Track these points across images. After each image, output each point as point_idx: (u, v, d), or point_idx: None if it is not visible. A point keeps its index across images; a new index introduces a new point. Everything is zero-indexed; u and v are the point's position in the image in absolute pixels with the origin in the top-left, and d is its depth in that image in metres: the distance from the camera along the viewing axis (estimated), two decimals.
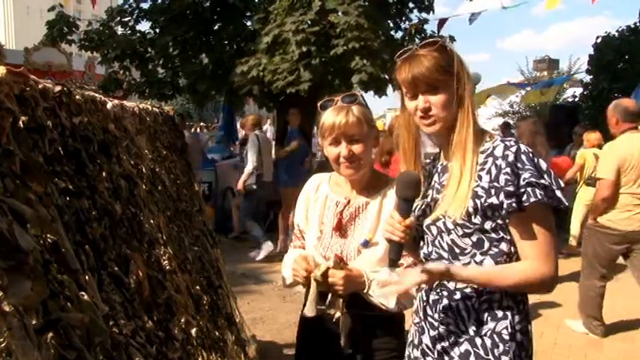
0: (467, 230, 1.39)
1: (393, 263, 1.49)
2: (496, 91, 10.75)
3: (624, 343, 3.93)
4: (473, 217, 1.38)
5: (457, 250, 1.43)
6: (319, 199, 1.85)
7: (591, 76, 9.93)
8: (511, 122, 10.54)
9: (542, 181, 1.33)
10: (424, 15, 8.15)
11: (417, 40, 7.90)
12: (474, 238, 1.39)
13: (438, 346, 1.46)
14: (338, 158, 1.72)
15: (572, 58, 18.90)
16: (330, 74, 6.79)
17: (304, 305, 1.91)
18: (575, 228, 6.99)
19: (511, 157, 1.35)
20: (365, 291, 1.67)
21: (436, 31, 8.60)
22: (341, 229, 1.77)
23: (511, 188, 1.33)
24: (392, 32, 8.10)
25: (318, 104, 1.77)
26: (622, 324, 4.36)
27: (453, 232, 1.42)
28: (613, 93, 9.11)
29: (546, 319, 4.26)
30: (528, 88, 10.66)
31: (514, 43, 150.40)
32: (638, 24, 9.23)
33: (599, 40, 9.51)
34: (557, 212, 1.41)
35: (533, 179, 1.33)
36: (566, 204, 1.36)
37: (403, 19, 8.26)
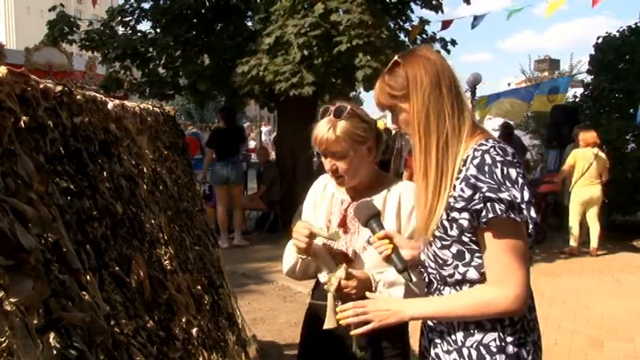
0: (445, 242, 1.36)
1: (402, 271, 1.51)
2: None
3: (624, 343, 3.93)
4: (449, 229, 1.33)
5: (440, 262, 1.39)
6: (326, 197, 1.89)
7: (592, 77, 9.88)
8: (511, 123, 10.46)
9: (503, 195, 1.23)
10: (432, 13, 8.10)
11: (418, 41, 7.88)
12: (454, 249, 1.35)
13: (432, 352, 1.46)
14: (328, 169, 1.79)
15: (573, 58, 18.86)
16: (332, 75, 6.78)
17: (308, 306, 1.93)
18: (574, 228, 6.93)
19: (472, 170, 1.29)
20: (373, 292, 1.68)
21: (438, 32, 8.59)
22: (346, 225, 1.80)
23: (461, 204, 1.27)
24: (395, 32, 8.07)
25: (319, 111, 1.80)
26: (622, 324, 4.36)
27: (433, 244, 1.39)
28: (614, 93, 9.08)
29: (546, 319, 4.26)
30: (535, 94, 10.51)
31: (515, 43, 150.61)
32: (638, 24, 9.18)
33: (599, 41, 9.47)
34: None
35: (490, 194, 1.23)
36: (532, 219, 1.27)
37: (404, 19, 8.24)
